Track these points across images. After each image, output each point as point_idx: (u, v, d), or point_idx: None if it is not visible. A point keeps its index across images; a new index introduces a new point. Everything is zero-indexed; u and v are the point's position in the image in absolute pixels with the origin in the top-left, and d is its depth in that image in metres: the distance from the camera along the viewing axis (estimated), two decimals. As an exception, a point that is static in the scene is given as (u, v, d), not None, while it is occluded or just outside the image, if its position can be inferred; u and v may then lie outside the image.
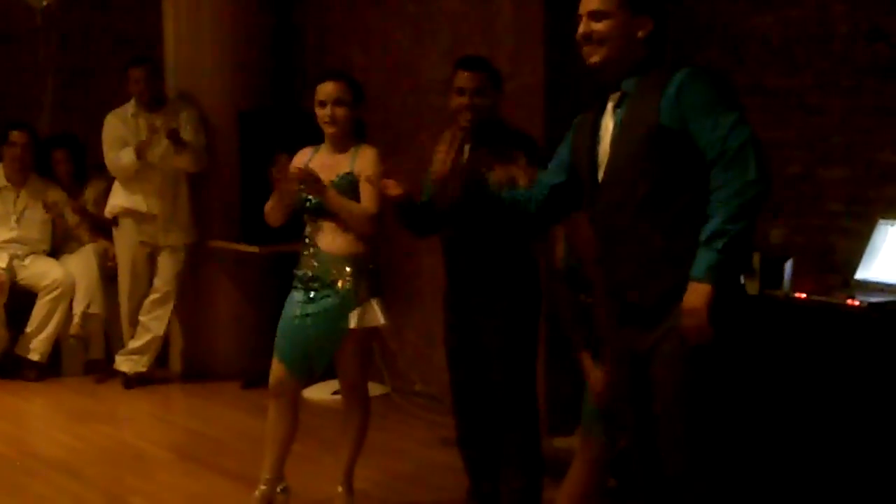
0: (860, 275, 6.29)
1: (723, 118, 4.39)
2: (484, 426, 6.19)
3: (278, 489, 6.60)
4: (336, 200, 6.23)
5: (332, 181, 6.27)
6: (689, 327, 4.37)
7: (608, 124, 4.66)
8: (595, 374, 5.31)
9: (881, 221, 6.34)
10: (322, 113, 6.38)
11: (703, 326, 4.34)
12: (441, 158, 6.10)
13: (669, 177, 4.50)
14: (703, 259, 4.34)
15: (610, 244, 4.75)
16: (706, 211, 4.38)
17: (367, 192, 6.27)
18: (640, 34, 4.59)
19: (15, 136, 10.12)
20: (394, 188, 5.61)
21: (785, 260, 6.35)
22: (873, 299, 5.97)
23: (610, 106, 4.68)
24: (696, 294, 4.34)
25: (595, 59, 4.62)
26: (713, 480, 4.55)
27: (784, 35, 7.02)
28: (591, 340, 5.38)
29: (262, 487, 6.56)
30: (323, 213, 6.31)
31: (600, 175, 4.68)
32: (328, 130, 6.40)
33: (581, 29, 4.62)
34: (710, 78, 4.52)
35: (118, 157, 9.50)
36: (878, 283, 6.17)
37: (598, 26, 4.58)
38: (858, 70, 6.69)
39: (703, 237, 4.34)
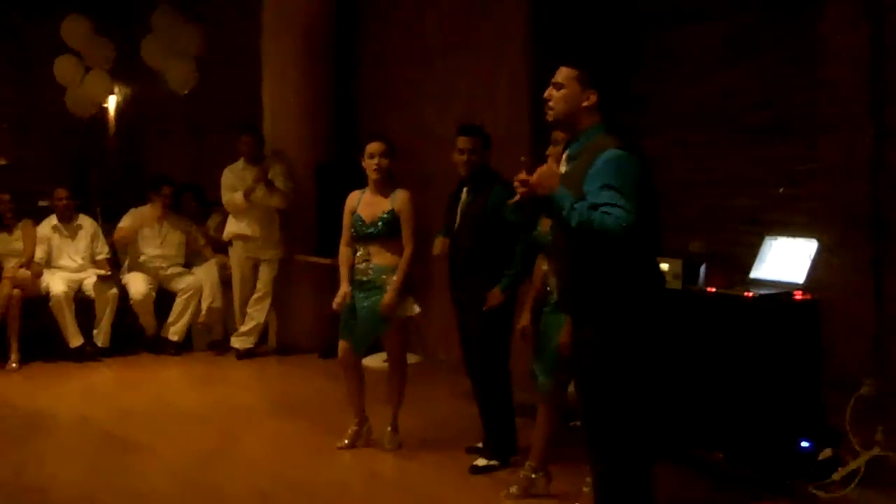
0: (753, 274, 6.22)
1: (605, 193, 4.16)
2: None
3: (364, 427, 6.68)
4: (396, 293, 6.29)
5: (379, 216, 6.28)
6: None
7: (563, 169, 4.50)
8: (564, 330, 5.14)
9: (767, 237, 6.27)
10: (370, 164, 6.37)
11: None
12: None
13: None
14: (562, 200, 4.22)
15: (558, 268, 4.79)
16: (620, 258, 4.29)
17: (406, 232, 6.35)
18: (585, 104, 4.46)
19: (165, 189, 10.08)
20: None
21: (700, 264, 6.29)
22: (762, 292, 5.95)
23: (564, 157, 4.57)
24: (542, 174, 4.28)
25: (549, 116, 4.56)
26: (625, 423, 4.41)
27: (700, 104, 6.96)
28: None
29: (353, 427, 6.66)
30: (372, 239, 6.32)
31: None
32: (374, 177, 6.39)
33: (546, 93, 4.56)
34: (619, 165, 4.24)
35: (232, 198, 9.50)
36: (766, 281, 6.11)
37: (556, 93, 4.51)
38: (752, 129, 6.62)
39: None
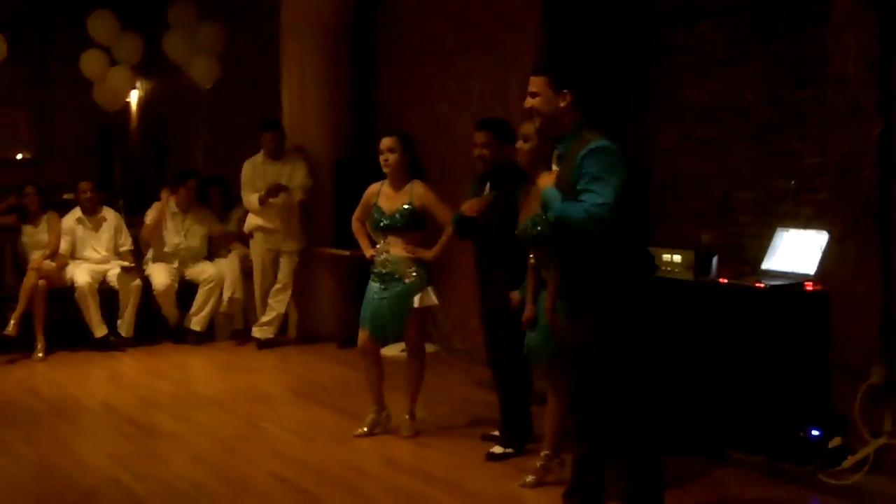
0: (764, 266, 6.21)
1: (594, 187, 4.30)
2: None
3: (382, 415, 6.69)
4: (440, 253, 6.46)
5: (397, 209, 6.32)
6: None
7: (556, 171, 4.65)
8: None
9: (778, 229, 6.26)
10: (381, 159, 6.44)
11: None
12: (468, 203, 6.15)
13: None
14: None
15: (554, 256, 4.84)
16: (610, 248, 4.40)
17: (441, 214, 6.42)
18: (562, 104, 4.57)
19: (190, 182, 10.11)
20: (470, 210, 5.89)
21: (712, 256, 6.29)
22: (773, 283, 5.93)
23: (555, 156, 4.72)
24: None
25: (537, 125, 4.71)
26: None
27: (709, 100, 6.94)
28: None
29: (371, 415, 6.67)
30: (391, 230, 6.36)
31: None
32: (385, 171, 6.45)
33: (525, 103, 4.67)
34: (602, 156, 4.36)
35: (249, 200, 9.54)
36: (776, 272, 6.09)
37: (534, 102, 4.63)
38: (760, 124, 6.61)
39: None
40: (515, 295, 5.87)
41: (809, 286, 5.81)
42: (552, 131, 4.66)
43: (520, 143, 5.56)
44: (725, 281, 6.15)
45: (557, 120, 4.60)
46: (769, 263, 6.20)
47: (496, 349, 6.25)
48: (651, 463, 4.65)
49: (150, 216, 9.97)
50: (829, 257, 5.83)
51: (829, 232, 5.89)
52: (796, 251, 6.08)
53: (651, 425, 4.63)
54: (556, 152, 4.73)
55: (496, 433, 6.31)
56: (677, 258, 6.32)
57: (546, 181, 4.56)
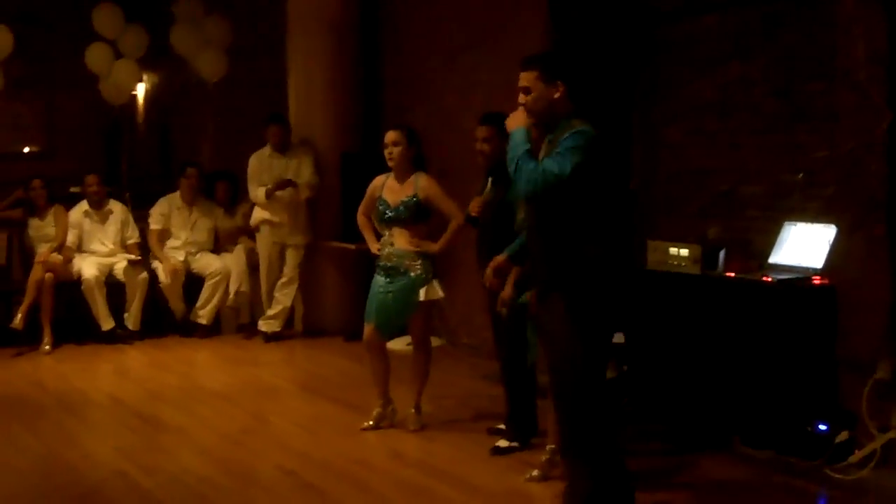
0: (772, 260, 6.18)
1: (556, 158, 4.42)
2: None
3: (388, 408, 6.69)
4: (446, 246, 6.47)
5: (401, 201, 6.31)
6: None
7: (541, 155, 4.68)
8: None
9: (786, 223, 6.23)
10: (386, 152, 6.44)
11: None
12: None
13: (552, 208, 4.53)
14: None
15: (528, 242, 4.90)
16: (577, 232, 4.50)
17: (447, 206, 6.42)
18: (556, 96, 4.60)
19: (189, 171, 10.14)
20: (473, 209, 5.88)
21: (719, 250, 6.27)
22: (781, 277, 5.91)
23: (545, 144, 4.70)
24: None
25: (533, 119, 4.67)
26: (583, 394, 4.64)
27: (717, 94, 6.91)
28: None
29: (377, 409, 6.68)
30: (395, 222, 6.36)
31: None
32: (389, 164, 6.45)
33: (518, 100, 4.68)
34: (579, 139, 4.45)
35: (255, 194, 9.54)
36: (784, 266, 6.07)
37: (527, 99, 4.64)
38: (768, 118, 6.58)
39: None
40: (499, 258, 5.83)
41: (817, 280, 5.80)
42: (545, 120, 4.68)
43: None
44: (732, 275, 6.13)
45: (552, 111, 4.62)
46: (776, 257, 6.17)
47: (502, 345, 6.24)
48: (608, 463, 4.70)
49: (156, 210, 10.01)
50: (837, 251, 5.81)
51: (836, 226, 5.87)
52: (804, 245, 6.05)
53: (605, 422, 4.70)
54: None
55: (502, 427, 6.29)
56: (684, 252, 6.31)
57: (517, 120, 4.63)
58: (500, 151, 6.03)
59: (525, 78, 4.64)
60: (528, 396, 6.19)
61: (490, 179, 6.10)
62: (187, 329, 9.90)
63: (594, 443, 4.65)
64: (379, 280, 6.45)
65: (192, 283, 9.94)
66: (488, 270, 5.69)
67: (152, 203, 10.14)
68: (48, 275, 9.31)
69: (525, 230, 5.32)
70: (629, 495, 4.75)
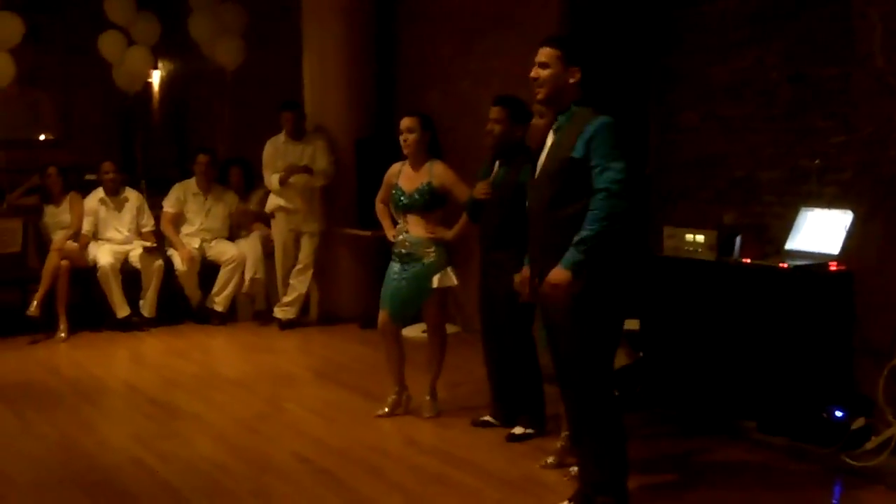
0: (788, 246, 6.16)
1: (613, 164, 4.47)
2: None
3: (403, 395, 6.69)
4: (460, 233, 6.46)
5: (416, 188, 6.31)
6: (545, 293, 4.57)
7: (549, 140, 4.74)
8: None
9: (802, 208, 6.21)
10: (401, 139, 6.45)
11: (556, 295, 4.51)
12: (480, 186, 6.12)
13: (566, 192, 4.57)
14: (570, 256, 4.48)
15: (531, 227, 4.85)
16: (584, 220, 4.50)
17: (462, 192, 6.36)
18: (571, 80, 4.66)
19: (199, 158, 10.16)
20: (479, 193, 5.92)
21: (735, 236, 6.25)
22: (797, 263, 5.89)
23: (551, 130, 4.74)
24: (557, 274, 4.49)
25: (540, 96, 4.73)
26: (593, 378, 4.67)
27: (733, 79, 6.88)
28: None
29: (393, 396, 6.68)
30: (410, 209, 6.36)
31: (536, 175, 4.78)
32: (404, 151, 6.45)
33: (532, 73, 4.71)
34: (613, 132, 4.54)
35: (270, 180, 9.55)
36: (800, 252, 6.05)
37: (542, 73, 4.68)
38: (784, 103, 6.55)
39: (575, 239, 4.47)
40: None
41: (834, 266, 5.78)
42: (553, 104, 4.73)
43: (535, 120, 5.54)
44: (749, 261, 6.11)
45: (562, 94, 4.67)
46: (793, 243, 6.15)
47: (494, 331, 6.22)
48: (611, 443, 4.70)
49: (170, 196, 10.04)
50: (854, 237, 5.79)
51: (853, 211, 5.84)
52: (820, 231, 6.03)
53: (610, 403, 4.71)
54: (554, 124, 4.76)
55: (488, 418, 6.35)
56: (700, 238, 6.30)
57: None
58: (510, 134, 6.04)
59: (545, 54, 4.68)
60: (535, 383, 6.15)
61: (497, 163, 6.10)
62: (203, 316, 9.93)
63: (603, 429, 4.66)
64: (394, 267, 6.46)
65: (208, 270, 9.96)
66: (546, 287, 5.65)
67: (167, 190, 10.16)
68: (64, 262, 9.34)
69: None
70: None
